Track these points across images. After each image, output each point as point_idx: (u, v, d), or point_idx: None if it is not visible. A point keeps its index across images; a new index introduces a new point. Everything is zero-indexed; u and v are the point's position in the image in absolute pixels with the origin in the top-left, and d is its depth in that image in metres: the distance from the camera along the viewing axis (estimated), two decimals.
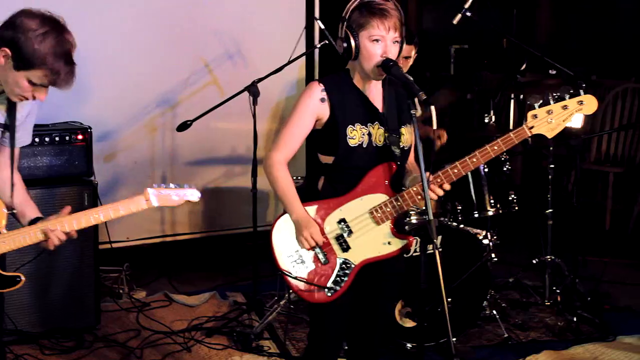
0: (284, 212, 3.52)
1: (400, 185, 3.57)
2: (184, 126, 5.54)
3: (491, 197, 5.36)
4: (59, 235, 3.44)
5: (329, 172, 3.56)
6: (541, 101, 3.47)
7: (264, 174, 3.56)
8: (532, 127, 3.48)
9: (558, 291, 5.78)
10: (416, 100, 3.40)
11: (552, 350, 5.14)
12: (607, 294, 6.06)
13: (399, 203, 3.49)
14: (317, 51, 6.95)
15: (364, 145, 3.49)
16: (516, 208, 5.45)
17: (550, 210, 5.76)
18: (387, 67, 3.41)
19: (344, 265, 3.49)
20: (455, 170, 3.54)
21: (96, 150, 5.78)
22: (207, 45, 6.66)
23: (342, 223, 3.49)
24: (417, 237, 3.80)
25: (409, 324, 5.02)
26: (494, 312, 5.33)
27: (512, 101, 6.39)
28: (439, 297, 4.98)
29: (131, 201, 3.56)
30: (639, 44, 9.27)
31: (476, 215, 5.36)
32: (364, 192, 3.51)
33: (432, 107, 3.29)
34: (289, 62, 5.57)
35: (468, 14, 5.63)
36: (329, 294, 3.49)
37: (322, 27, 5.49)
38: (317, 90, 3.49)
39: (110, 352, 5.10)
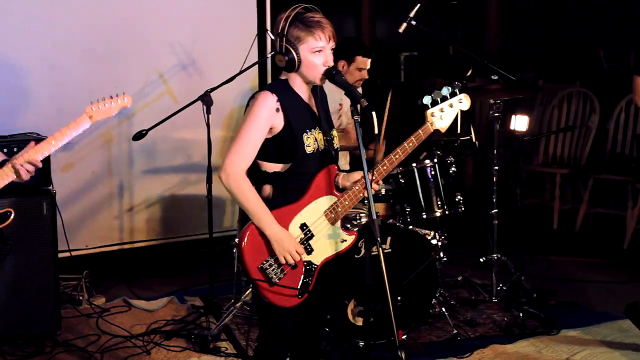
0: (249, 222, 3.60)
1: (335, 185, 3.78)
2: (139, 135, 5.68)
3: (438, 199, 5.56)
4: (28, 167, 3.74)
5: (278, 179, 3.67)
6: (431, 100, 3.98)
7: (222, 184, 3.59)
8: (432, 123, 3.98)
9: (504, 288, 5.98)
10: (358, 106, 3.58)
11: (499, 344, 5.34)
12: (553, 291, 6.26)
13: (347, 202, 3.69)
14: (269, 60, 7.14)
15: (315, 152, 3.68)
16: (462, 209, 5.65)
17: (496, 210, 5.96)
18: (330, 75, 3.61)
19: (308, 267, 3.68)
20: (385, 167, 3.83)
21: (54, 161, 5.90)
22: (161, 56, 6.82)
23: (305, 227, 3.67)
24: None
25: (361, 322, 5.21)
26: (443, 309, 5.52)
27: None
28: (390, 295, 5.23)
29: (76, 122, 3.95)
30: (583, 50, 9.56)
31: (424, 217, 5.55)
32: (316, 195, 3.69)
33: (373, 113, 3.49)
34: (241, 72, 5.72)
35: (413, 22, 5.83)
36: (299, 297, 3.66)
37: (273, 37, 5.65)
38: (272, 100, 3.60)
39: (70, 356, 5.21)
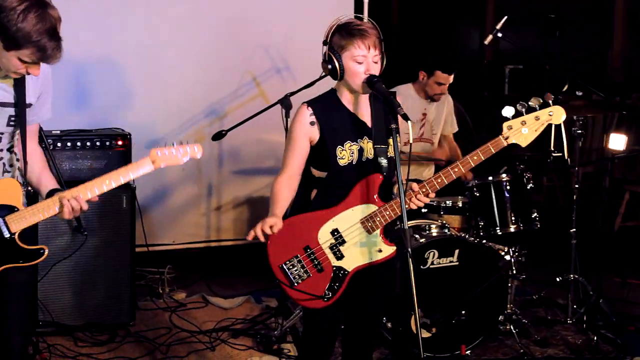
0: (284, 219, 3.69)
1: (388, 194, 3.75)
2: (219, 135, 5.78)
3: (513, 214, 5.47)
4: (73, 203, 3.49)
5: (321, 185, 3.77)
6: (514, 112, 3.69)
7: None
8: (507, 137, 3.71)
9: (581, 310, 5.81)
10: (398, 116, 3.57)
11: None
12: (637, 317, 6.06)
13: (387, 212, 3.68)
14: None
15: (354, 163, 3.70)
16: (538, 226, 5.53)
17: (574, 229, 5.80)
18: (371, 82, 3.61)
19: (338, 273, 3.69)
20: (439, 180, 3.71)
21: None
22: (255, 60, 6.94)
23: (336, 233, 3.69)
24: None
25: (425, 334, 5.17)
26: (512, 327, 5.41)
27: None
28: (454, 309, 5.20)
29: (137, 164, 3.61)
30: None
31: (498, 232, 5.47)
32: (354, 203, 3.70)
33: (409, 122, 3.47)
34: (321, 78, 5.74)
35: (499, 34, 5.77)
36: (325, 300, 3.68)
37: None
38: (306, 115, 3.70)
39: (138, 347, 5.37)
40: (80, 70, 6.35)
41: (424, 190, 3.68)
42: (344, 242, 3.69)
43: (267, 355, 5.27)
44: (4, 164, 3.58)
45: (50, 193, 3.60)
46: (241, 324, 5.79)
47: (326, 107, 3.73)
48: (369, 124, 3.76)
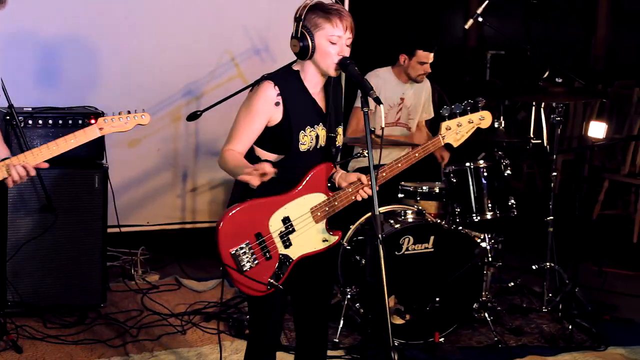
0: (230, 205, 3.58)
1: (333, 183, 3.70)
2: (194, 116, 5.71)
3: (489, 201, 5.42)
4: (19, 170, 3.50)
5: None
6: (449, 113, 3.88)
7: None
8: (444, 137, 3.87)
9: (557, 299, 5.78)
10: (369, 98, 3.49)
11: (538, 355, 5.16)
12: (614, 306, 6.03)
13: (335, 203, 3.61)
14: None
15: (311, 149, 3.61)
16: (515, 213, 5.48)
17: (551, 217, 5.75)
18: (344, 65, 3.52)
19: (283, 261, 3.61)
20: (384, 174, 3.74)
21: (121, 135, 5.98)
22: (234, 40, 6.83)
23: (287, 221, 3.60)
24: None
25: (398, 321, 5.13)
26: (486, 314, 5.37)
27: (533, 108, 6.45)
28: (428, 296, 5.15)
29: (85, 130, 3.70)
30: None
31: (475, 219, 5.42)
32: (305, 192, 3.61)
33: (382, 107, 3.40)
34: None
35: (480, 19, 5.72)
36: (269, 288, 3.58)
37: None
38: (273, 94, 3.54)
39: (108, 329, 5.29)
40: (52, 48, 6.23)
41: (368, 181, 3.62)
42: (293, 230, 3.61)
43: (238, 339, 5.20)
44: None
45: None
46: (213, 308, 5.71)
47: (290, 87, 3.59)
48: (324, 109, 3.69)
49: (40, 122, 5.36)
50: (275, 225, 3.57)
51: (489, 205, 5.42)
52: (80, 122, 5.43)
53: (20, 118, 5.24)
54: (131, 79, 6.46)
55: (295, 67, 3.67)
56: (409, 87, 6.14)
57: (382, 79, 6.05)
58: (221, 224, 3.52)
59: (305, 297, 3.86)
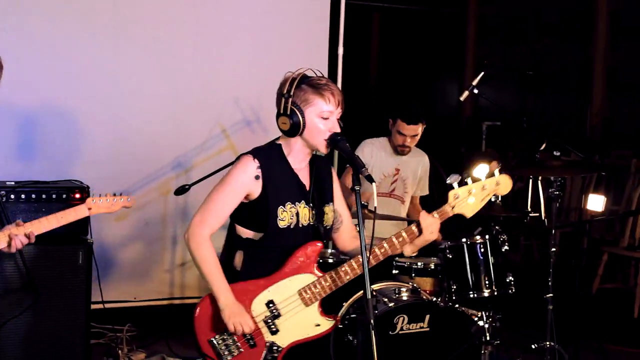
0: (209, 293, 3.43)
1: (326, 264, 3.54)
2: (182, 190, 5.57)
3: (486, 278, 5.24)
4: (22, 239, 3.69)
5: (250, 247, 3.48)
6: (459, 179, 3.57)
7: (185, 243, 3.47)
8: (453, 207, 3.55)
9: None
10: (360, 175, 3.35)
11: None
12: None
13: (327, 283, 3.44)
14: None
15: (292, 227, 3.45)
16: (513, 290, 5.30)
17: (551, 295, 5.57)
18: (334, 141, 3.39)
19: (271, 348, 3.42)
20: (382, 250, 3.57)
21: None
22: (225, 111, 6.73)
23: (271, 305, 3.43)
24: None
25: None
26: None
27: (531, 180, 6.31)
28: None
29: (75, 209, 3.85)
30: None
31: (471, 296, 5.23)
32: (292, 273, 3.45)
33: (374, 184, 3.25)
34: None
35: (475, 91, 5.63)
36: None
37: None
38: (252, 167, 3.43)
39: None
40: (35, 119, 6.13)
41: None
42: (279, 315, 3.43)
43: None
44: None
45: None
46: None
47: (271, 162, 3.48)
48: (307, 187, 3.53)
49: (23, 196, 5.18)
50: (258, 309, 3.40)
51: (486, 282, 5.23)
52: (64, 196, 5.25)
53: (2, 192, 5.08)
54: (118, 151, 6.34)
55: (279, 142, 3.54)
56: (406, 159, 5.99)
57: (376, 146, 5.92)
58: (197, 310, 3.38)
59: None
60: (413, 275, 5.45)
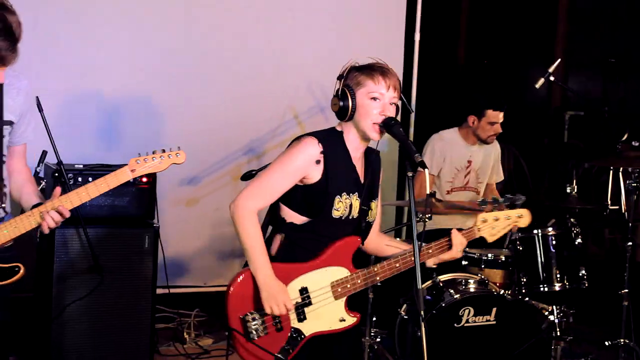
0: (245, 266, 3.38)
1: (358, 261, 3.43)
2: (248, 175, 5.50)
3: (558, 271, 5.06)
4: (54, 216, 3.27)
5: (292, 231, 3.39)
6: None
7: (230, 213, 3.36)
8: (480, 229, 3.65)
9: None
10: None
11: None
12: None
13: (359, 281, 3.35)
14: (414, 102, 6.93)
15: (343, 218, 3.37)
16: (586, 285, 5.11)
17: (626, 290, 5.36)
18: (388, 125, 3.27)
19: (295, 335, 3.35)
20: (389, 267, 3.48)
21: (179, 194, 5.87)
22: (297, 97, 6.67)
23: (304, 292, 3.35)
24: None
25: None
26: None
27: (611, 172, 6.11)
28: None
29: (116, 174, 3.38)
30: None
31: (542, 289, 5.06)
32: (328, 263, 3.37)
33: (426, 170, 3.14)
34: None
35: (552, 78, 5.45)
36: None
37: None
38: (315, 150, 3.32)
39: None
40: (114, 105, 6.16)
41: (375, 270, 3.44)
42: (310, 303, 3.35)
43: None
44: None
45: (35, 207, 3.36)
46: None
47: (334, 148, 3.37)
48: (362, 179, 3.43)
49: (90, 179, 5.18)
50: (291, 294, 3.32)
51: (558, 275, 5.06)
52: (131, 180, 5.20)
53: (69, 175, 5.10)
54: (191, 136, 6.31)
55: (339, 128, 3.44)
56: (476, 149, 5.85)
57: (447, 141, 5.78)
58: (233, 285, 3.32)
59: None
60: (482, 266, 5.30)
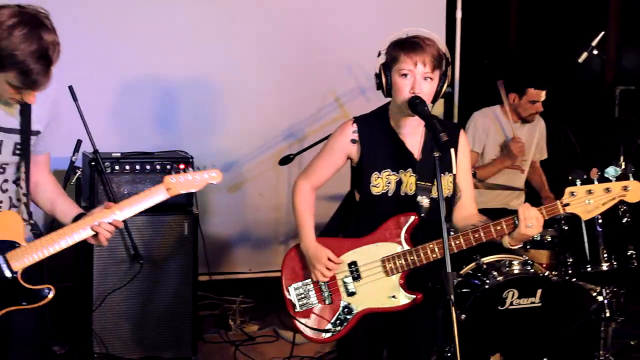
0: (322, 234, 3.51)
1: (427, 237, 3.31)
2: (286, 160, 5.46)
3: (605, 251, 4.91)
4: (109, 228, 3.20)
5: (357, 209, 3.49)
6: (584, 177, 3.18)
7: None
8: (566, 205, 3.18)
9: None
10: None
11: None
12: None
13: (412, 257, 3.27)
14: (457, 87, 6.79)
15: (389, 194, 3.36)
16: (635, 264, 4.94)
17: None
18: (413, 104, 3.20)
19: (346, 310, 3.38)
20: (457, 242, 3.28)
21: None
22: (338, 79, 6.58)
23: (353, 266, 3.38)
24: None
25: None
26: None
27: None
28: (537, 354, 4.70)
29: (150, 193, 3.32)
30: None
31: (589, 270, 4.92)
32: (379, 239, 3.36)
33: (452, 150, 3.05)
34: None
35: (595, 52, 5.30)
36: (327, 335, 3.41)
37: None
38: (349, 131, 3.42)
39: None
40: (158, 95, 6.21)
41: (457, 242, 3.27)
42: (359, 277, 3.36)
43: None
44: (10, 198, 3.23)
45: (77, 218, 3.27)
46: None
47: (373, 127, 3.42)
48: (417, 155, 3.35)
49: (127, 167, 5.17)
50: (340, 268, 3.37)
51: (605, 255, 4.90)
52: (168, 167, 5.21)
53: (106, 163, 5.09)
54: (233, 121, 6.31)
55: (389, 106, 3.47)
56: (519, 126, 5.72)
57: (490, 118, 5.68)
58: (284, 262, 3.52)
59: (399, 356, 3.55)
60: (528, 247, 5.18)
